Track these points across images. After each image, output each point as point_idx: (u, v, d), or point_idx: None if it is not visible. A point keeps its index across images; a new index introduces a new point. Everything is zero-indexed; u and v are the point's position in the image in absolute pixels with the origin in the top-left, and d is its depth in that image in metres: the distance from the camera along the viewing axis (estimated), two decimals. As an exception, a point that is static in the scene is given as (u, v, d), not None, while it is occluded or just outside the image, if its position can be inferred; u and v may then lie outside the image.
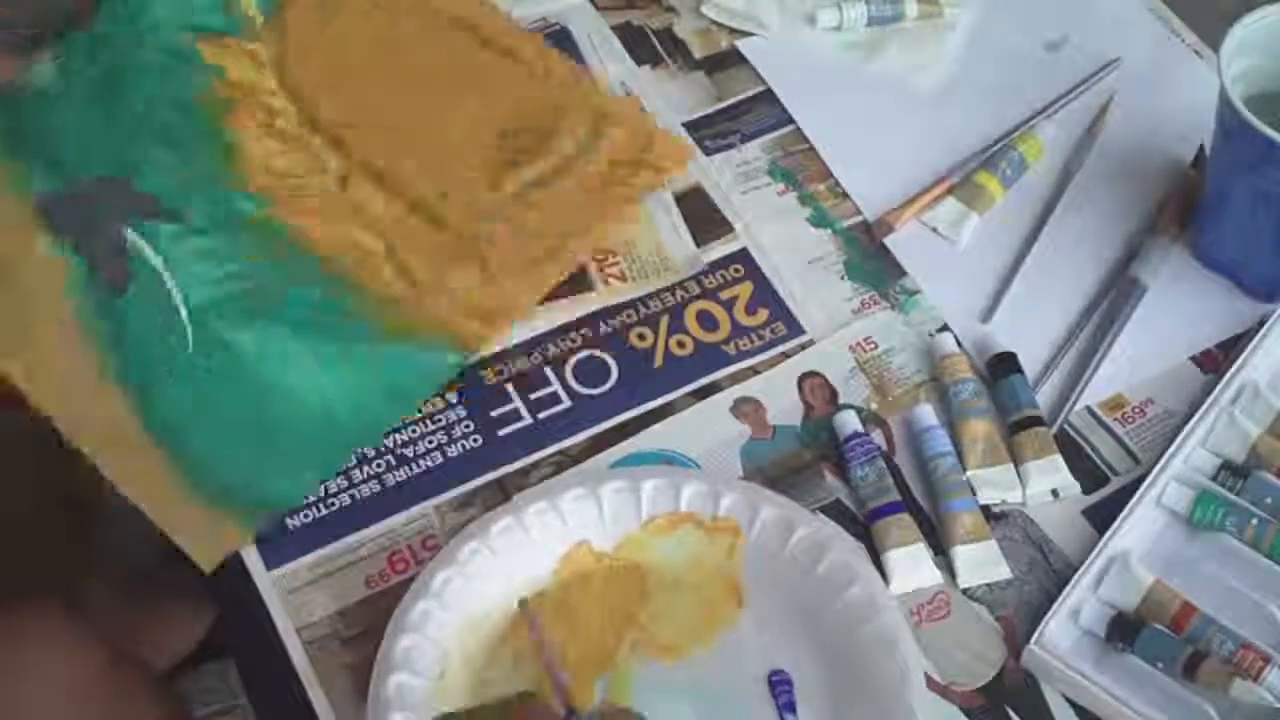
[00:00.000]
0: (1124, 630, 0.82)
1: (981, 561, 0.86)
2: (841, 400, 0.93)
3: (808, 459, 0.91)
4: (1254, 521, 0.85)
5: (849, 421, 0.91)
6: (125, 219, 0.93)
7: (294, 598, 0.85)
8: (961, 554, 0.86)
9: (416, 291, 0.94)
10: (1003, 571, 0.86)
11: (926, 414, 0.91)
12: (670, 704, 0.78)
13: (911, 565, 0.86)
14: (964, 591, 0.86)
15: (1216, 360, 0.95)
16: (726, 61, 1.11)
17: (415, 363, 0.92)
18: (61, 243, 0.93)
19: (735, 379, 0.94)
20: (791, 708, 0.79)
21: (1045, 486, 0.89)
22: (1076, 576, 0.84)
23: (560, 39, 1.09)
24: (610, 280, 0.98)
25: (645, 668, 0.81)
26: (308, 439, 0.90)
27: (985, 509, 0.88)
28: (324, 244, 0.96)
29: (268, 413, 0.90)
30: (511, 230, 0.97)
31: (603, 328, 0.96)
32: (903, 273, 0.99)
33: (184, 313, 0.91)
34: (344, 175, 0.99)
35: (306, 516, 0.88)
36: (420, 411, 0.92)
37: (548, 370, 0.94)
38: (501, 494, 0.89)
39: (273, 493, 0.88)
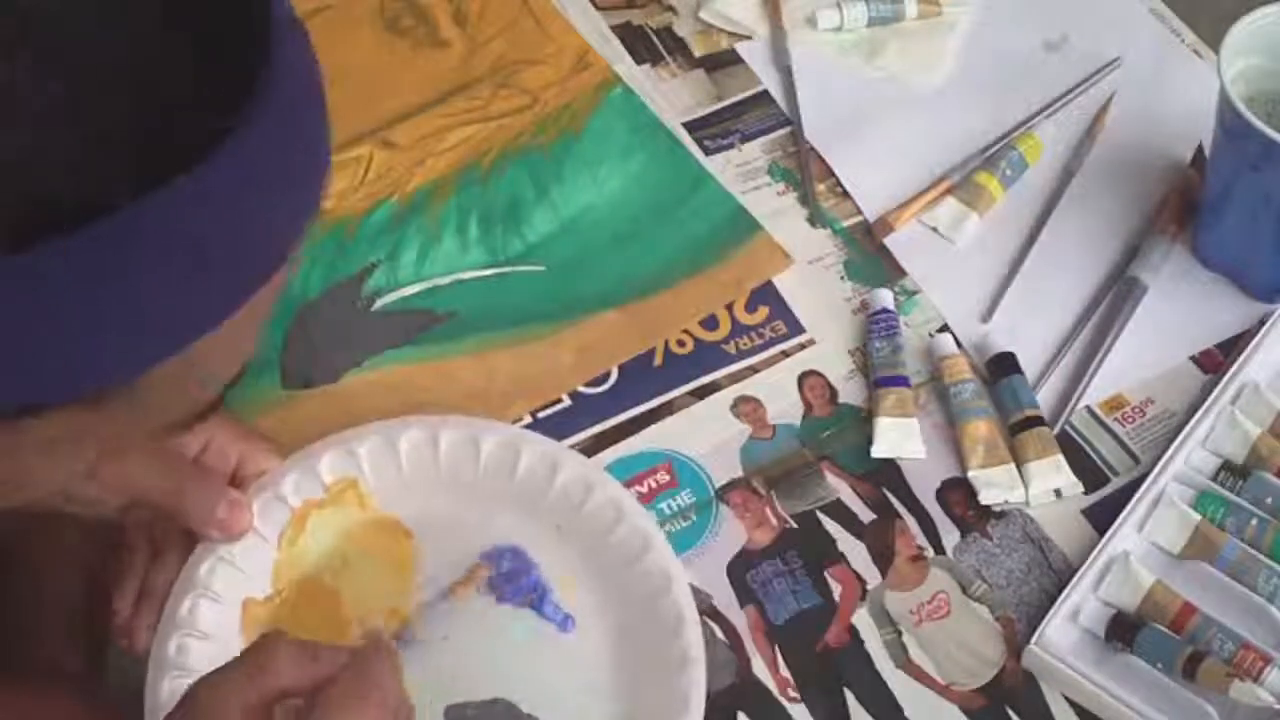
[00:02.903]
0: (1124, 630, 0.82)
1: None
2: (841, 400, 0.93)
3: (808, 458, 0.91)
4: (1254, 521, 0.85)
5: (883, 298, 0.96)
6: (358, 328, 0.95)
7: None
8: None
9: (541, 100, 1.06)
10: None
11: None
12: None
13: (899, 435, 0.90)
14: (962, 590, 0.86)
15: (1216, 360, 0.95)
16: (726, 60, 1.11)
17: (613, 117, 1.05)
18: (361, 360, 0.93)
19: (735, 378, 0.94)
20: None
21: (1048, 486, 0.89)
22: (1076, 576, 0.84)
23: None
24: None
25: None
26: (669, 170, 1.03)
27: (986, 508, 0.89)
28: (462, 160, 1.02)
29: (640, 203, 1.02)
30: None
31: (604, 326, 0.97)
32: (903, 273, 0.99)
33: (492, 270, 0.98)
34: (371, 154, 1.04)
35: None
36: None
37: (549, 369, 0.95)
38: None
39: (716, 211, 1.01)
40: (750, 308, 0.97)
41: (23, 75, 0.44)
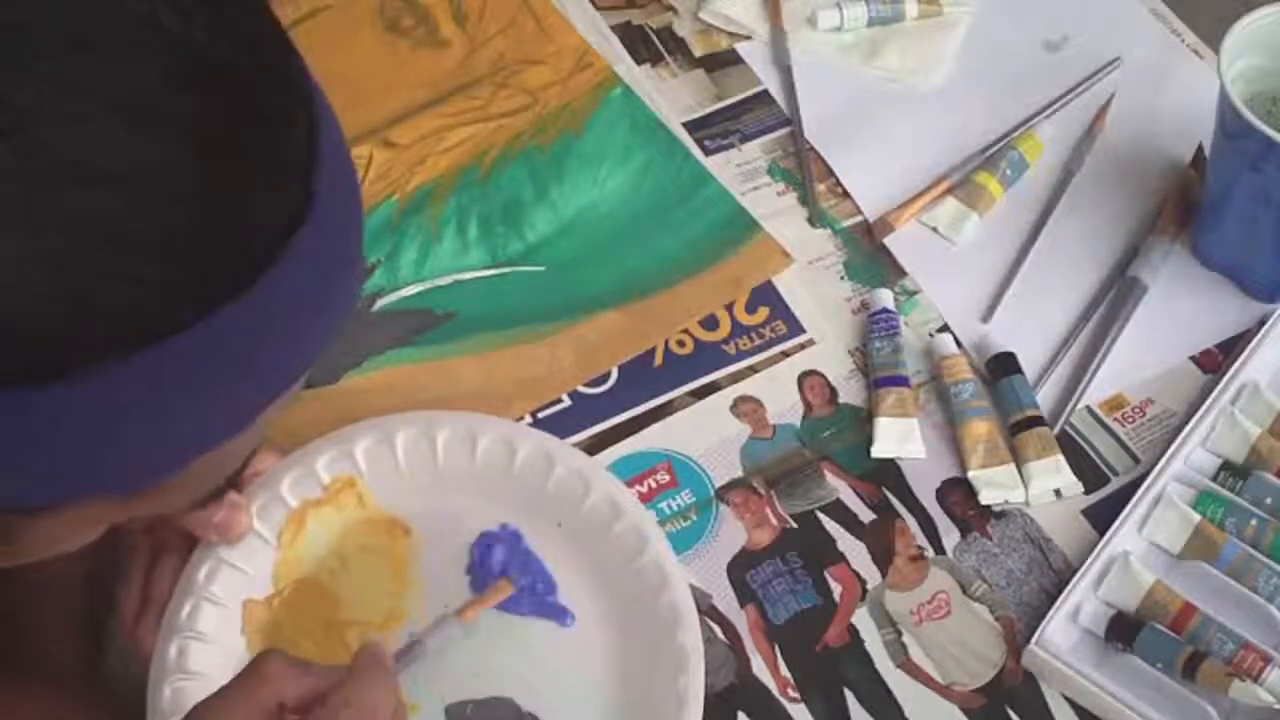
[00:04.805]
0: (1124, 630, 0.82)
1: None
2: (841, 400, 0.93)
3: (808, 458, 0.91)
4: (1254, 521, 0.85)
5: (883, 298, 0.95)
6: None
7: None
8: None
9: (541, 100, 1.06)
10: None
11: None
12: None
13: (898, 434, 0.90)
14: (962, 590, 0.86)
15: (1216, 360, 0.95)
16: (726, 60, 1.11)
17: (613, 117, 1.06)
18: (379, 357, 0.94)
19: (735, 378, 0.94)
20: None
21: (1048, 486, 0.89)
22: (1076, 576, 0.84)
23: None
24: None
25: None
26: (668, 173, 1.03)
27: (986, 508, 0.89)
28: (462, 160, 1.02)
29: (633, 211, 1.01)
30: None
31: (603, 326, 0.97)
32: (903, 273, 0.99)
33: (492, 270, 0.98)
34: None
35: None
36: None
37: (549, 369, 0.95)
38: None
39: (716, 211, 1.01)
40: (750, 308, 0.97)
41: (114, 205, 0.45)
